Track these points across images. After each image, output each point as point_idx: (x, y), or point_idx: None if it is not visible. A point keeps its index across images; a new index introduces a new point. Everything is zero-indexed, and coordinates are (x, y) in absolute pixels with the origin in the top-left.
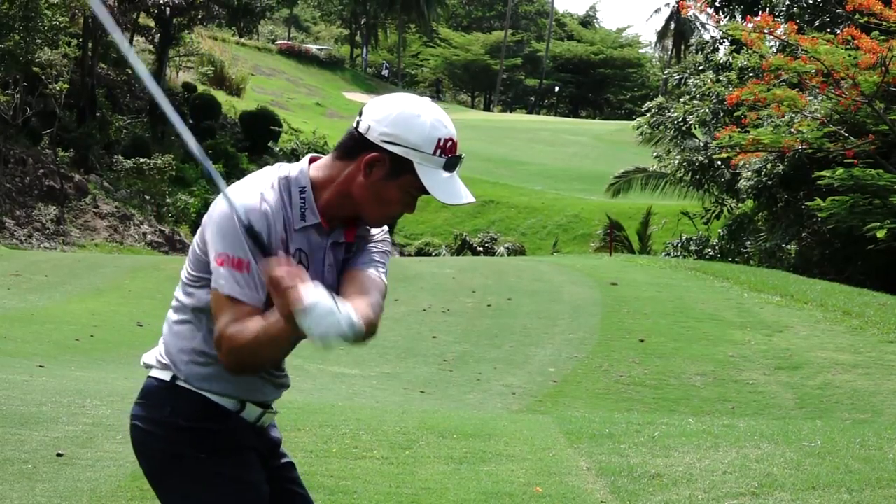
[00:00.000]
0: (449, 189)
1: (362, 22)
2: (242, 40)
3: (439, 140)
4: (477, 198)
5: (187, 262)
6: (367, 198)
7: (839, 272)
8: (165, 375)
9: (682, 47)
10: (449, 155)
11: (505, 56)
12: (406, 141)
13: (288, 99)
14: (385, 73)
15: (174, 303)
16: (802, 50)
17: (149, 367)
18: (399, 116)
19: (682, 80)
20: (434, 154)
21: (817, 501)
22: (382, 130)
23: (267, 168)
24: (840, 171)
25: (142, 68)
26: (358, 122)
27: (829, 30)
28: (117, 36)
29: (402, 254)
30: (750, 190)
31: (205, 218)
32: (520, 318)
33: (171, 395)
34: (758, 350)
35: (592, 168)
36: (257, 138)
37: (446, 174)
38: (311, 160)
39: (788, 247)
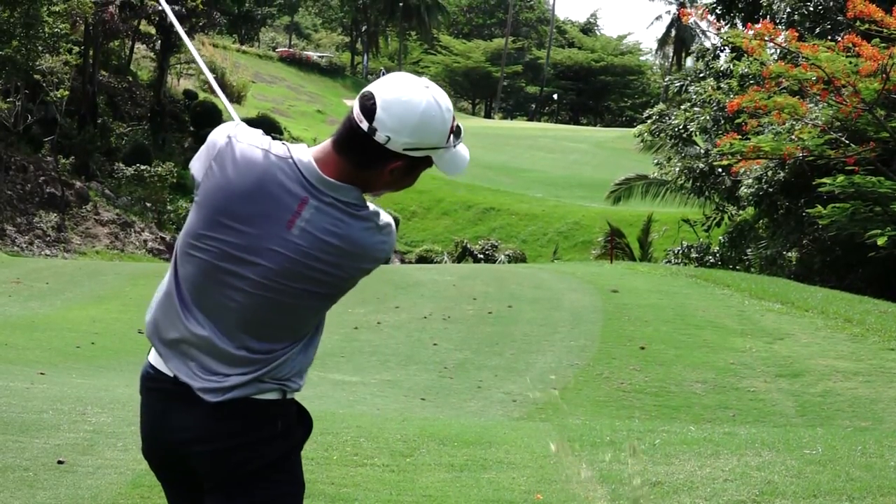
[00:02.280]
0: (457, 162)
1: (363, 29)
2: (243, 48)
3: (450, 128)
4: (478, 205)
5: (316, 296)
6: (386, 190)
7: (840, 279)
8: (278, 395)
9: (683, 54)
10: (456, 134)
11: (506, 63)
12: (427, 144)
13: (289, 106)
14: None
15: (294, 335)
16: (803, 57)
17: (251, 395)
18: (418, 124)
19: (683, 88)
20: (448, 142)
21: None
22: (405, 141)
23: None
24: (841, 178)
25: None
26: (373, 130)
27: (829, 37)
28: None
29: (402, 261)
30: (751, 197)
31: (382, 244)
32: (520, 326)
33: (283, 410)
34: (759, 357)
35: (593, 175)
36: None
37: (454, 149)
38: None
39: (789, 254)
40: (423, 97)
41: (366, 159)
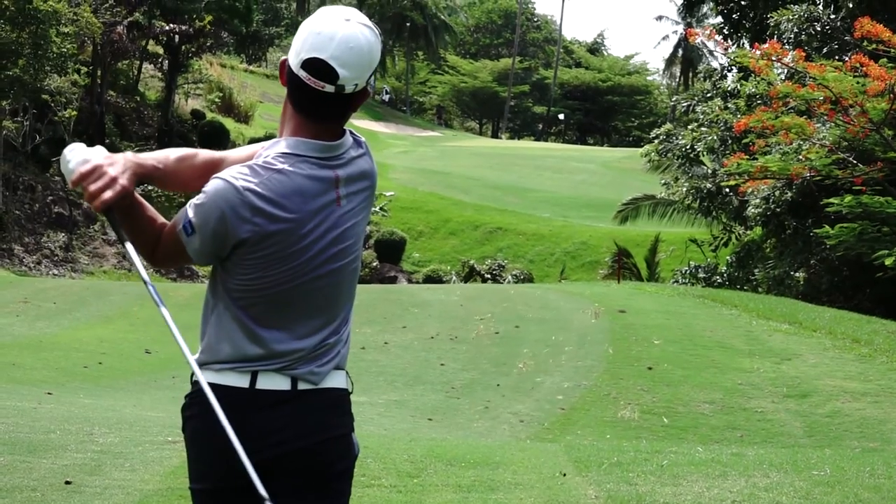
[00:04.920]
0: None
1: None
2: (251, 67)
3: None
4: (485, 225)
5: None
6: None
7: (848, 300)
8: (350, 385)
9: (690, 74)
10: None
11: (513, 83)
12: (378, 60)
13: None
14: (385, 97)
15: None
16: (810, 77)
17: (344, 388)
18: (370, 58)
19: (690, 108)
20: None
21: None
22: (367, 76)
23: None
24: (848, 198)
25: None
26: (341, 87)
27: (837, 57)
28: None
29: (409, 281)
30: (758, 217)
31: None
32: (527, 346)
33: (350, 404)
34: (766, 378)
35: (600, 195)
36: None
37: None
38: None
39: (797, 274)
40: (360, 34)
41: (344, 109)
